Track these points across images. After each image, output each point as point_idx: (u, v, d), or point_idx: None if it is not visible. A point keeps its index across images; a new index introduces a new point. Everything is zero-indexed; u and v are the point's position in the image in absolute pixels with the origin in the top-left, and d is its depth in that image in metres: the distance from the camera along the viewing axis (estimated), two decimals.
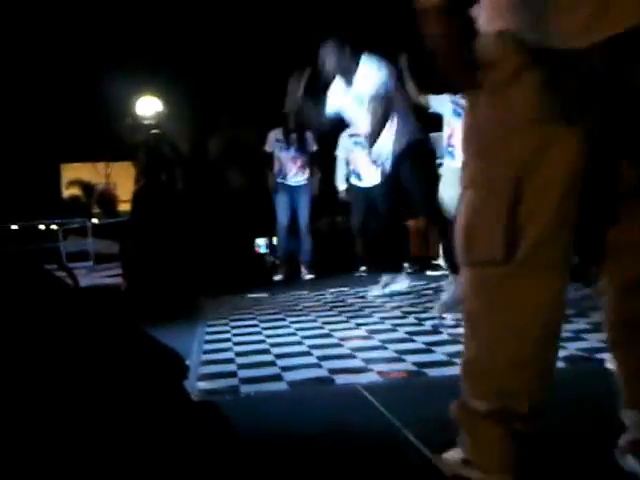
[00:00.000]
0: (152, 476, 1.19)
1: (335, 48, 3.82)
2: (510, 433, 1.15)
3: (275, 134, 5.47)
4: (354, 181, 5.46)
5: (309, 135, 5.44)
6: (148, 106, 5.15)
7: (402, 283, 4.14)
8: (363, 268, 5.52)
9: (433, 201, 3.63)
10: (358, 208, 5.42)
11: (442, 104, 4.83)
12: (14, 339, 1.20)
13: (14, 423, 1.13)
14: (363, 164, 5.35)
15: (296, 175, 5.44)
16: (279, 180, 5.46)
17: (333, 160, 5.60)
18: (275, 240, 5.92)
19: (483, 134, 1.16)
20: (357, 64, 3.75)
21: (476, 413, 1.18)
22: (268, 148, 5.49)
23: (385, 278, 4.13)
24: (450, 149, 4.85)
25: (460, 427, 1.24)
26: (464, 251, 1.19)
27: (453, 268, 3.90)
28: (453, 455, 1.26)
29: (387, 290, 4.06)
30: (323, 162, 5.62)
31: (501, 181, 1.12)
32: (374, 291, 4.12)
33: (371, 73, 3.73)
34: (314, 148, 5.47)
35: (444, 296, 3.45)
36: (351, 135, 5.37)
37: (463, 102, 5.39)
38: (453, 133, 4.86)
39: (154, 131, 5.02)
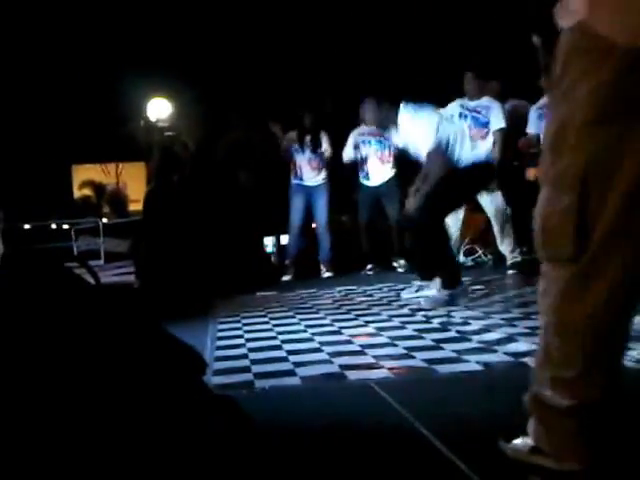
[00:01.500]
0: (176, 465, 1.25)
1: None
2: (586, 425, 1.18)
3: (291, 135, 5.51)
4: (362, 180, 5.52)
5: (324, 137, 5.48)
6: (159, 108, 5.21)
7: (433, 290, 3.80)
8: (370, 266, 5.55)
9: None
10: (365, 206, 5.49)
11: (451, 106, 4.93)
12: (42, 335, 1.26)
13: (42, 414, 1.19)
14: (372, 163, 5.44)
15: (312, 176, 5.48)
16: (295, 181, 5.51)
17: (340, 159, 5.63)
18: (283, 239, 5.94)
19: (554, 131, 1.18)
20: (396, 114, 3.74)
21: (551, 406, 1.20)
22: (284, 150, 5.51)
23: (418, 283, 3.99)
24: None
25: (532, 417, 1.26)
26: (540, 247, 1.21)
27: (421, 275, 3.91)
28: (521, 443, 1.29)
29: (420, 294, 3.85)
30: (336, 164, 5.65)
31: (569, 179, 1.13)
32: (406, 293, 3.99)
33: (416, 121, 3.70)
34: (329, 152, 5.49)
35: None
36: (361, 134, 5.43)
37: (470, 104, 5.43)
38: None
39: (169, 133, 5.07)
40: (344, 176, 5.70)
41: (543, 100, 4.46)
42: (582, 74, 1.11)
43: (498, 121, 4.83)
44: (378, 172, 5.42)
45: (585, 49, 1.10)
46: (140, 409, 1.25)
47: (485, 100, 4.88)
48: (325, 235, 5.51)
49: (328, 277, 5.43)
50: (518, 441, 1.31)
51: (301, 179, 5.49)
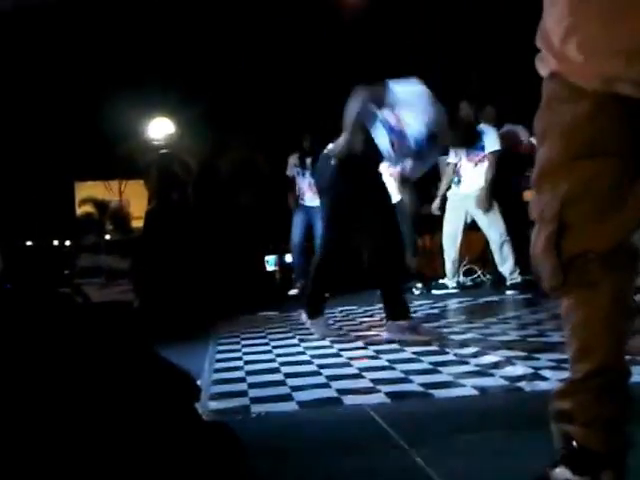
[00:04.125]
0: None
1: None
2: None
3: (293, 159, 5.58)
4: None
5: None
6: (160, 127, 5.27)
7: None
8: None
9: None
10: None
11: None
12: (28, 360, 1.27)
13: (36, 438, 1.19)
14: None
15: (312, 199, 5.52)
16: (299, 201, 5.61)
17: None
18: (286, 258, 5.99)
19: (537, 172, 1.25)
20: None
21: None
22: (289, 172, 5.62)
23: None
24: (457, 178, 5.15)
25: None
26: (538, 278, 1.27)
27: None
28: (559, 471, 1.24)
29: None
30: None
31: (548, 212, 1.20)
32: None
33: None
34: None
35: None
36: None
37: None
38: (460, 163, 5.13)
39: (164, 151, 5.12)
40: None
41: None
42: (559, 115, 1.20)
43: (492, 144, 4.92)
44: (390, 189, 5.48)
45: (560, 93, 1.20)
46: (126, 437, 1.25)
47: (480, 127, 4.98)
48: None
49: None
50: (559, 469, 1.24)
51: (302, 199, 5.57)
